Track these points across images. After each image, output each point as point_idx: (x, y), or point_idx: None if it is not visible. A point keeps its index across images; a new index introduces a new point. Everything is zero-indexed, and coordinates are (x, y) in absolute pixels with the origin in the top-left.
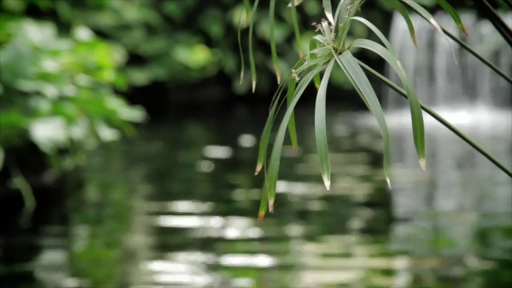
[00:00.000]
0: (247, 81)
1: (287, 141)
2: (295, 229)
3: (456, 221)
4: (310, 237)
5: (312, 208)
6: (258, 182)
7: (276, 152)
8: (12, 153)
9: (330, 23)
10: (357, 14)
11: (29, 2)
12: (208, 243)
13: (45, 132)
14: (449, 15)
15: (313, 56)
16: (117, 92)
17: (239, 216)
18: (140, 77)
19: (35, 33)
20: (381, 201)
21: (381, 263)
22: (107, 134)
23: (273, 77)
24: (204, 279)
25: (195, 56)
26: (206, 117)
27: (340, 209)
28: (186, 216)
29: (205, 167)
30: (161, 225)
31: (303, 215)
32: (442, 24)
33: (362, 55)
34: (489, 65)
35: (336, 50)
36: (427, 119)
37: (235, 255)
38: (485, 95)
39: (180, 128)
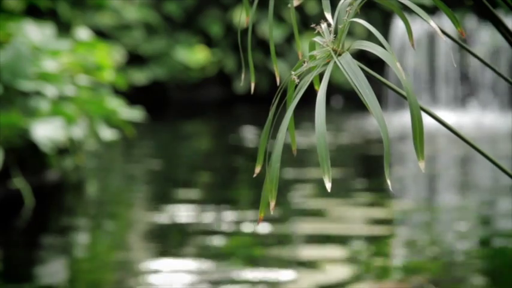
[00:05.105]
0: (247, 81)
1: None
2: (295, 230)
3: (456, 223)
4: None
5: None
6: (258, 180)
7: (277, 154)
8: (12, 153)
9: (329, 25)
10: (356, 14)
11: (29, 2)
12: (209, 243)
13: (45, 132)
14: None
15: (312, 57)
16: (117, 92)
17: (240, 216)
18: (140, 77)
19: (35, 33)
20: (381, 201)
21: (380, 263)
22: (107, 134)
23: (273, 77)
24: (204, 277)
25: (195, 56)
26: (206, 117)
27: (338, 208)
28: (187, 216)
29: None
30: (161, 226)
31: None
32: (442, 25)
33: (362, 56)
34: (489, 66)
35: (335, 51)
36: (428, 120)
37: (236, 255)
38: (486, 95)
39: (180, 128)
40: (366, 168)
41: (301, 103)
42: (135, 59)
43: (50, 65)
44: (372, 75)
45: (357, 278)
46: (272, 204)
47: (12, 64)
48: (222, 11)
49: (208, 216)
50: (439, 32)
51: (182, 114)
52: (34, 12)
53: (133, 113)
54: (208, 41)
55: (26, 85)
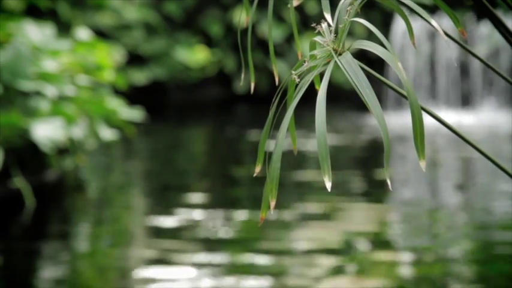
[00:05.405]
0: (247, 81)
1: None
2: (297, 229)
3: (456, 224)
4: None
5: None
6: (258, 180)
7: (277, 154)
8: (12, 153)
9: (329, 24)
10: (356, 14)
11: (29, 2)
12: (209, 245)
13: (45, 132)
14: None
15: (313, 57)
16: (117, 92)
17: (240, 216)
18: (140, 77)
19: (35, 33)
20: (381, 200)
21: (381, 260)
22: (107, 134)
23: (273, 77)
24: (204, 281)
25: (195, 56)
26: (206, 117)
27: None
28: (187, 217)
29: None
30: (161, 226)
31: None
32: (442, 25)
33: (362, 55)
34: (489, 66)
35: (335, 51)
36: (427, 119)
37: (236, 256)
38: (486, 95)
39: (180, 128)
40: (365, 169)
41: (301, 103)
42: (135, 59)
43: (50, 65)
44: (372, 75)
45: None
46: (272, 204)
47: (12, 64)
48: (222, 11)
49: (209, 218)
50: (440, 31)
51: (182, 114)
52: (34, 12)
53: (133, 113)
54: (208, 41)
55: (26, 85)
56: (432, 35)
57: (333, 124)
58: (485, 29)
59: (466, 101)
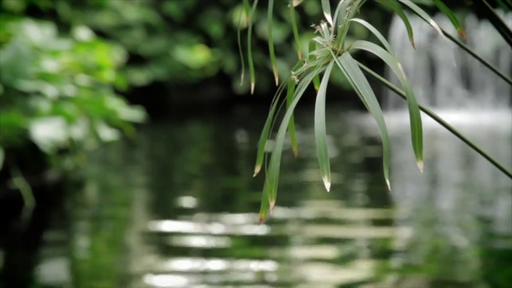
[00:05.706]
0: (247, 81)
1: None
2: (297, 231)
3: (456, 224)
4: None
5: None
6: (257, 181)
7: (276, 154)
8: (12, 153)
9: (329, 24)
10: (356, 14)
11: (29, 2)
12: (211, 249)
13: (45, 132)
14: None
15: (312, 57)
16: (117, 92)
17: (240, 217)
18: (140, 77)
19: (35, 33)
20: (380, 203)
21: (381, 265)
22: (107, 134)
23: (273, 77)
24: (204, 281)
25: (195, 56)
26: (206, 117)
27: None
28: (186, 217)
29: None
30: (161, 226)
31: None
32: (442, 26)
33: (362, 56)
34: (489, 66)
35: (335, 51)
36: (427, 119)
37: (236, 255)
38: (485, 95)
39: (180, 128)
40: (364, 169)
41: (300, 103)
42: (135, 59)
43: (50, 65)
44: (371, 75)
45: (362, 280)
46: (272, 204)
47: (12, 64)
48: (222, 11)
49: (208, 218)
50: (439, 31)
51: (182, 115)
52: (34, 12)
53: (133, 113)
54: (208, 41)
55: (26, 85)
56: (432, 34)
57: (331, 125)
58: (485, 30)
59: (465, 101)
